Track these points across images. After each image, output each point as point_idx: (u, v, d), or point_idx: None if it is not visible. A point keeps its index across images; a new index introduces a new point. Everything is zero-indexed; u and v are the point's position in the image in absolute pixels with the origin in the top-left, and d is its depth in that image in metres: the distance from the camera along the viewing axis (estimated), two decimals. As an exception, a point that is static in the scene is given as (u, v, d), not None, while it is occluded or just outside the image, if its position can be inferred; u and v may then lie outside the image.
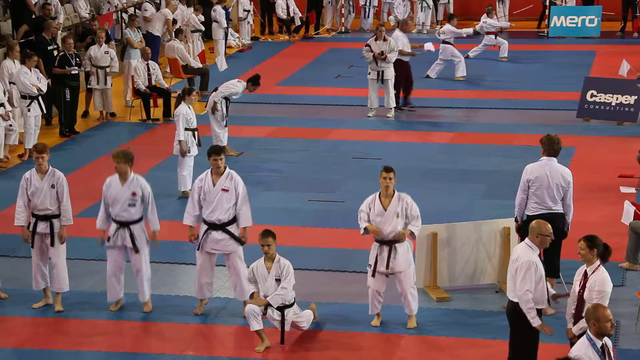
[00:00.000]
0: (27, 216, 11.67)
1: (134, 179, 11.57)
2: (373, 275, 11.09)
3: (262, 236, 10.73)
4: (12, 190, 12.91)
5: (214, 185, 11.31)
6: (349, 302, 11.88)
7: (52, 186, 11.53)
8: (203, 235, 11.41)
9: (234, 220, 11.38)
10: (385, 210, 10.99)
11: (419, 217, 11.06)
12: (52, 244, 11.61)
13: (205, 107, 17.83)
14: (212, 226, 11.36)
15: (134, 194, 11.52)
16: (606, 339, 8.02)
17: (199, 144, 15.70)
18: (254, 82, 17.76)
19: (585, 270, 9.17)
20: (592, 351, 7.89)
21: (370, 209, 11.06)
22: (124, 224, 11.54)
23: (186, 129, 15.50)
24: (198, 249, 11.54)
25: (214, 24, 26.75)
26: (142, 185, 11.59)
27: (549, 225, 9.37)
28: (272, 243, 10.71)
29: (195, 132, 15.69)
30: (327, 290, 12.23)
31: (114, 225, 11.62)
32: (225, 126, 17.60)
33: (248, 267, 11.10)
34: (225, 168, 11.42)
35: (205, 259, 11.52)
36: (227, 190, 11.29)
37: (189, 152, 15.53)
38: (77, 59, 19.58)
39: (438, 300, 11.90)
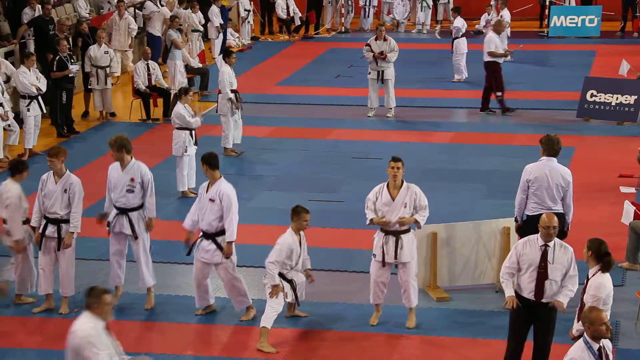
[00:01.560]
0: (41, 217, 11.66)
1: (134, 165, 11.59)
2: (384, 265, 11.12)
3: (306, 212, 10.97)
4: (12, 190, 12.89)
5: (206, 193, 11.31)
6: (349, 302, 11.88)
7: (65, 190, 11.50)
8: (197, 240, 11.41)
9: (223, 232, 11.26)
10: (393, 200, 11.02)
11: (426, 207, 11.13)
12: (58, 249, 11.61)
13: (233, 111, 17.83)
14: (204, 234, 11.34)
15: (132, 179, 11.53)
16: (605, 342, 7.99)
17: (195, 143, 15.67)
18: (226, 54, 17.84)
19: (587, 273, 9.23)
20: (588, 354, 7.86)
21: (377, 198, 11.09)
22: (123, 211, 11.58)
23: (184, 129, 15.51)
24: (188, 254, 11.56)
25: (209, 24, 26.72)
26: (142, 171, 11.61)
27: (555, 218, 9.55)
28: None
29: (193, 132, 15.68)
30: (327, 290, 12.22)
31: (114, 211, 11.67)
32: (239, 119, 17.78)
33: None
34: (219, 177, 11.33)
35: (199, 267, 11.47)
36: (213, 201, 11.20)
37: (186, 152, 15.53)
38: (72, 60, 19.53)
39: (438, 300, 11.90)
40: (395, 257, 11.06)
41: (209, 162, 11.30)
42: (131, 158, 11.66)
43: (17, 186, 11.76)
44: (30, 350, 10.94)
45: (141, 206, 11.69)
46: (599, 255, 9.17)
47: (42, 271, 11.70)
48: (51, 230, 11.57)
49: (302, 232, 11.07)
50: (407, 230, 11.12)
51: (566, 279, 9.55)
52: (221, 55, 18.08)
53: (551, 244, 9.53)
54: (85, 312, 8.01)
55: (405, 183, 11.11)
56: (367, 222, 11.17)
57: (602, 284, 9.10)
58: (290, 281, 11.01)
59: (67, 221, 11.52)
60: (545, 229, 9.50)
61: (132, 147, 11.76)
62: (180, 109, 15.51)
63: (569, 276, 9.56)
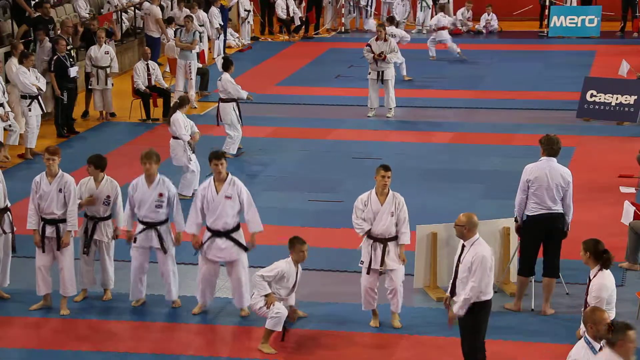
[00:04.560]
0: (38, 219, 11.66)
1: (160, 180, 11.62)
2: (368, 273, 11.12)
3: (300, 243, 10.80)
4: (12, 190, 12.89)
5: (217, 193, 11.28)
6: (349, 302, 11.87)
7: (60, 190, 11.53)
8: (206, 242, 11.38)
9: (238, 227, 11.33)
10: (381, 207, 11.01)
11: (406, 220, 11.06)
12: (58, 249, 11.63)
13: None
14: (217, 234, 11.32)
15: (160, 195, 11.54)
16: (604, 342, 8.00)
17: (192, 152, 15.62)
18: (225, 68, 17.84)
19: (589, 274, 9.27)
20: (590, 354, 7.88)
21: (365, 206, 11.07)
22: (151, 225, 11.57)
23: (180, 138, 15.48)
24: (195, 254, 11.54)
25: (209, 24, 26.70)
26: (168, 186, 11.64)
27: (463, 218, 9.60)
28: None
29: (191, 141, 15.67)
30: (327, 290, 12.23)
31: (140, 226, 11.65)
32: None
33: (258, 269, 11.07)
34: (227, 174, 11.38)
35: (209, 267, 11.48)
36: (230, 198, 11.23)
37: (191, 159, 15.47)
38: (71, 60, 19.49)
39: (438, 300, 11.89)
40: (382, 265, 11.05)
41: (220, 157, 11.33)
42: (157, 173, 11.68)
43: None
44: (30, 350, 10.94)
45: (167, 220, 11.70)
46: (597, 254, 9.22)
47: (40, 272, 11.71)
48: (50, 230, 11.59)
49: (299, 266, 10.97)
50: (394, 238, 11.10)
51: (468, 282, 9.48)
52: (221, 60, 18.11)
53: (467, 243, 9.56)
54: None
55: (391, 191, 11.11)
56: (362, 234, 11.11)
57: (603, 284, 9.14)
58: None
59: (64, 221, 11.56)
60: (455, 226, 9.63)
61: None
62: (179, 117, 15.46)
63: (469, 279, 9.45)
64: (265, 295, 10.69)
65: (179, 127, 15.38)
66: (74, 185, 11.62)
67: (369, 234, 11.09)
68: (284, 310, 10.74)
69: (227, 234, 11.28)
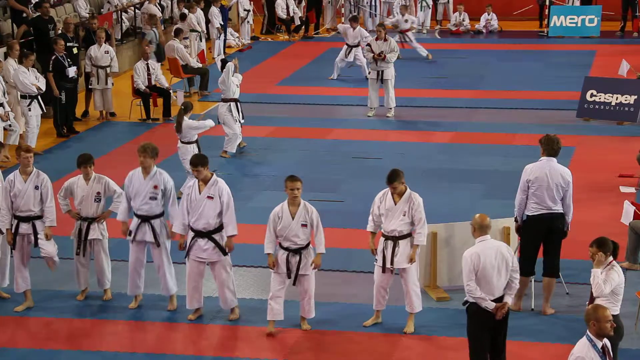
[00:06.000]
0: (11, 219, 11.70)
1: (157, 173, 11.64)
2: (384, 271, 11.11)
3: (291, 181, 10.90)
4: (11, 190, 12.92)
5: (199, 193, 11.29)
6: (349, 302, 11.88)
7: (36, 187, 11.61)
8: (190, 242, 11.39)
9: (220, 228, 11.33)
10: (395, 205, 11.01)
11: (422, 220, 11.05)
12: (36, 245, 11.69)
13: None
14: (199, 234, 11.33)
15: (155, 187, 11.56)
16: (605, 340, 8.01)
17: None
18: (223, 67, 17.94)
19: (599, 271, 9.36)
20: (593, 352, 7.89)
21: (381, 202, 11.10)
22: (145, 219, 11.59)
23: (190, 142, 15.51)
24: (186, 257, 11.55)
25: (209, 24, 26.75)
26: (165, 179, 11.66)
27: (477, 219, 9.50)
28: (300, 187, 10.97)
29: (198, 143, 15.67)
30: (327, 291, 12.21)
31: (135, 220, 11.67)
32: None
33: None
34: (212, 175, 11.39)
35: (193, 267, 11.47)
36: (212, 198, 11.23)
37: None
38: (69, 60, 19.47)
39: (438, 300, 11.90)
40: (391, 263, 11.05)
41: (205, 162, 11.35)
42: (154, 166, 11.70)
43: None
44: (30, 350, 10.94)
45: (162, 214, 11.71)
46: (612, 250, 9.28)
47: (17, 269, 11.77)
48: (25, 227, 11.67)
49: (302, 204, 11.05)
50: (406, 237, 11.09)
51: None
52: (220, 63, 18.21)
53: (476, 242, 9.63)
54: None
55: (408, 191, 11.10)
56: (367, 228, 11.21)
57: (616, 271, 9.32)
58: (288, 250, 10.99)
59: (39, 217, 11.65)
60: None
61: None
62: (192, 121, 15.49)
63: None
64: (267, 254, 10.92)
65: (201, 126, 15.49)
66: (50, 183, 11.72)
67: (382, 232, 11.10)
68: (278, 306, 10.92)
69: (208, 234, 11.28)
